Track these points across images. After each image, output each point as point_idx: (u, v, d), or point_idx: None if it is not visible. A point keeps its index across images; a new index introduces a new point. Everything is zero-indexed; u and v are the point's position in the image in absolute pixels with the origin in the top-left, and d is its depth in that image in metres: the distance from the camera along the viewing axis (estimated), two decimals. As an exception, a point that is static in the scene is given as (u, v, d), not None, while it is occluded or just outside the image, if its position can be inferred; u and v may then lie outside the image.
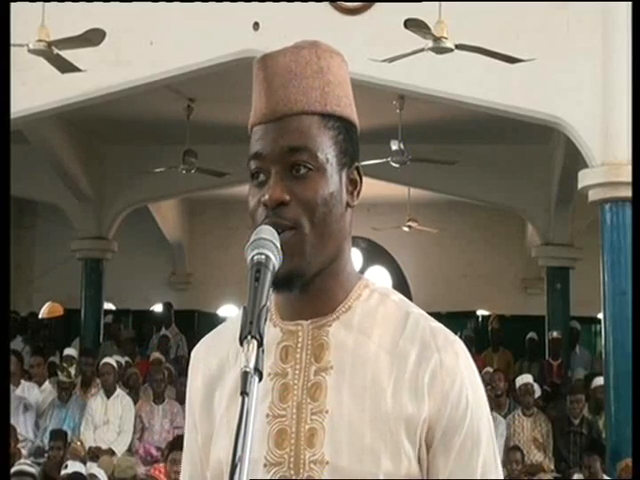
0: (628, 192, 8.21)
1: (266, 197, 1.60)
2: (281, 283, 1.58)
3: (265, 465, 1.60)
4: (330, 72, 1.66)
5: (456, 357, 1.61)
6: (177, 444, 7.85)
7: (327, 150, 1.62)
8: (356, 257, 17.99)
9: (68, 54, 7.91)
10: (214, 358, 1.71)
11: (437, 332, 1.63)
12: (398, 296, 1.70)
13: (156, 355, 11.39)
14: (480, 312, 15.92)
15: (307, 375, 1.62)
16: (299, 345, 1.64)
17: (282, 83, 1.63)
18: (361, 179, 1.68)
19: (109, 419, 9.74)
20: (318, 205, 1.60)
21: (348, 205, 1.66)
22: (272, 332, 1.65)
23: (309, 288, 1.61)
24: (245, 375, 1.38)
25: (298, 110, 1.62)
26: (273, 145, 1.62)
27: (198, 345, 1.77)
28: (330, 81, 1.65)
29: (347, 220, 1.67)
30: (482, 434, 1.61)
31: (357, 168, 1.68)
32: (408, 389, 1.58)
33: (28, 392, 9.95)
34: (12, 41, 7.68)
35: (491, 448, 1.62)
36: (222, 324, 1.78)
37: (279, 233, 1.56)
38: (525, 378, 10.12)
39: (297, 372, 1.63)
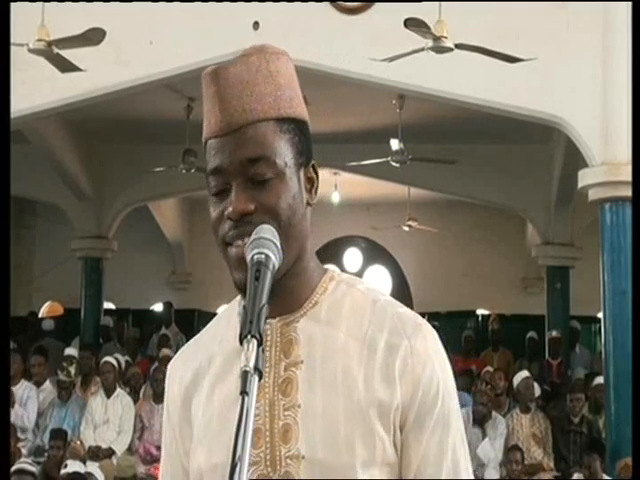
0: (628, 192, 8.21)
1: (230, 209, 1.62)
2: None
3: None
4: (279, 74, 1.67)
5: (425, 342, 1.63)
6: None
7: (284, 154, 1.63)
8: (356, 257, 17.99)
9: (68, 54, 7.91)
10: (188, 369, 1.73)
11: (405, 318, 1.64)
12: (365, 285, 1.71)
13: (166, 352, 11.35)
14: (480, 311, 15.91)
15: (277, 372, 1.63)
16: (268, 343, 1.65)
17: (235, 94, 1.63)
18: (317, 176, 1.70)
19: (109, 418, 9.74)
20: (282, 210, 1.62)
21: (308, 204, 1.67)
22: None
23: (275, 289, 1.60)
24: (245, 374, 1.38)
25: (254, 119, 1.62)
26: (231, 158, 1.62)
27: (175, 357, 1.81)
28: (281, 84, 1.66)
29: (308, 218, 1.68)
30: (452, 417, 1.64)
31: (313, 166, 1.69)
32: (380, 377, 1.60)
33: (28, 391, 9.95)
34: (12, 41, 7.68)
35: (460, 430, 1.65)
36: (200, 332, 1.80)
37: (247, 241, 1.57)
38: (523, 374, 10.13)
39: (267, 369, 1.63)
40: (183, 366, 1.75)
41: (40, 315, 14.68)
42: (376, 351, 1.61)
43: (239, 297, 1.72)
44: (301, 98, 1.70)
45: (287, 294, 1.65)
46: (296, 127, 1.66)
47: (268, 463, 1.60)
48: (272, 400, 1.62)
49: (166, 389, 1.78)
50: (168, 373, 1.80)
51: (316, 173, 1.70)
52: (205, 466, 1.63)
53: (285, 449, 1.60)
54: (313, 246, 1.71)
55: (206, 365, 1.70)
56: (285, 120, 1.64)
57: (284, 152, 1.63)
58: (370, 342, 1.62)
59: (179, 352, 1.81)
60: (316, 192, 1.69)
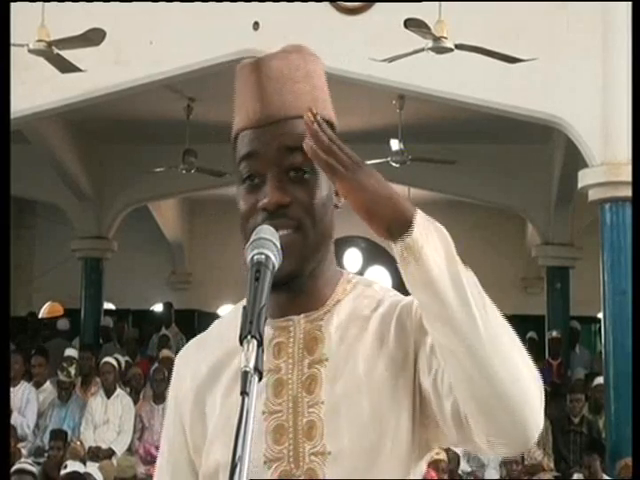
0: (628, 192, 8.21)
1: (265, 201, 1.61)
2: (282, 284, 1.60)
3: (265, 462, 1.61)
4: (316, 76, 1.69)
5: (400, 297, 1.69)
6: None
7: None
8: (356, 257, 17.98)
9: (68, 54, 7.91)
10: (203, 363, 1.72)
11: (398, 302, 1.68)
12: (379, 285, 1.75)
13: (166, 353, 11.35)
14: (480, 312, 15.91)
15: (301, 369, 1.64)
16: (291, 340, 1.66)
17: (276, 88, 1.65)
18: None
19: (109, 419, 9.74)
20: (317, 207, 1.64)
21: (336, 206, 1.70)
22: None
23: (300, 286, 1.65)
24: (245, 375, 1.38)
25: (292, 115, 1.63)
26: (268, 145, 1.63)
27: (184, 349, 1.79)
28: (317, 86, 1.69)
29: (333, 221, 1.71)
30: None
31: None
32: (396, 358, 1.62)
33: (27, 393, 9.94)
34: (12, 41, 7.68)
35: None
36: (206, 331, 1.80)
37: (281, 234, 1.57)
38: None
39: (290, 366, 1.64)
40: (197, 360, 1.74)
41: (40, 315, 14.67)
42: (386, 342, 1.64)
43: None
44: (330, 103, 1.72)
45: (312, 292, 1.68)
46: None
47: (291, 460, 1.61)
48: (296, 397, 1.63)
49: (173, 382, 1.76)
50: (177, 367, 1.78)
51: None
52: (223, 461, 1.62)
53: (309, 445, 1.60)
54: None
55: (226, 359, 1.69)
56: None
57: None
58: (381, 337, 1.65)
59: (190, 345, 1.79)
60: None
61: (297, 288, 1.65)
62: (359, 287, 1.72)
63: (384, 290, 1.73)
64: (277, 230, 1.58)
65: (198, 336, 1.81)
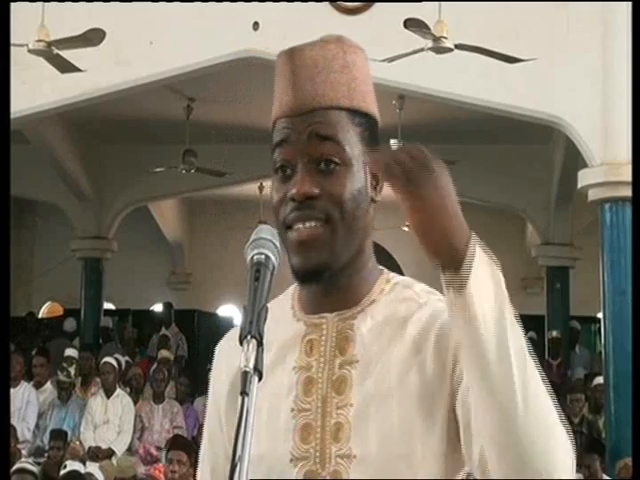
0: (628, 192, 8.21)
1: (294, 191, 1.58)
2: (309, 276, 1.59)
3: (291, 460, 1.60)
4: (356, 68, 1.65)
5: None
6: (175, 443, 7.84)
7: (354, 146, 1.61)
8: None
9: (68, 54, 7.91)
10: (238, 356, 1.68)
11: (440, 314, 1.59)
12: (420, 286, 1.69)
13: (164, 354, 11.36)
14: (480, 312, 15.92)
15: (332, 368, 1.62)
16: (323, 338, 1.64)
17: (309, 77, 1.62)
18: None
19: (109, 419, 9.74)
20: (347, 200, 1.59)
21: (372, 200, 1.65)
22: (296, 326, 1.66)
23: (334, 282, 1.61)
24: (245, 375, 1.38)
25: (326, 104, 1.61)
26: (301, 133, 1.60)
27: (223, 340, 1.75)
28: (356, 77, 1.65)
29: (371, 215, 1.66)
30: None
31: None
32: (433, 369, 1.57)
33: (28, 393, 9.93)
34: (12, 41, 7.67)
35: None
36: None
37: (307, 225, 1.57)
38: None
39: (321, 365, 1.62)
40: (232, 352, 1.67)
41: (40, 315, 14.69)
42: (423, 351, 1.59)
43: (292, 287, 1.71)
44: (374, 96, 1.69)
45: (345, 289, 1.64)
46: (367, 122, 1.64)
47: (317, 460, 1.59)
48: (325, 397, 1.60)
49: (212, 374, 1.74)
50: (215, 358, 1.76)
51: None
52: (251, 456, 1.62)
53: (336, 448, 1.58)
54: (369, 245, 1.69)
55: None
56: (357, 113, 1.63)
57: (354, 143, 1.61)
58: (419, 344, 1.60)
59: (228, 337, 1.75)
60: (381, 190, 1.66)
61: (329, 283, 1.61)
62: (398, 288, 1.68)
63: (425, 292, 1.68)
64: (305, 222, 1.57)
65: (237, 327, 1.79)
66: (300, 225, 1.59)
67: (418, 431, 1.56)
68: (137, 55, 9.18)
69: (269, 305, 1.63)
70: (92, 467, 8.23)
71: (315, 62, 1.62)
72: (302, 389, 1.62)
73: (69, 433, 9.46)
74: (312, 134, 1.59)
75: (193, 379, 11.36)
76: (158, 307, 15.32)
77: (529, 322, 13.85)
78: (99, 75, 9.00)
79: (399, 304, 1.65)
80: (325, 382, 1.61)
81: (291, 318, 1.65)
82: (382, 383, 1.59)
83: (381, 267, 1.71)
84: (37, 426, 9.83)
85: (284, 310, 1.69)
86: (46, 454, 9.20)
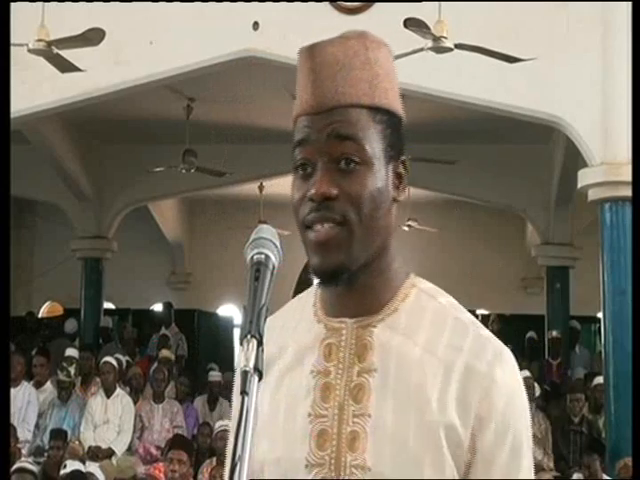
0: (628, 192, 8.21)
1: (312, 191, 1.56)
2: (327, 277, 1.57)
3: (307, 466, 1.58)
4: (378, 64, 1.63)
5: (505, 371, 1.57)
6: (175, 443, 7.85)
7: (375, 144, 1.58)
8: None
9: (68, 54, 7.91)
10: (273, 344, 1.63)
11: (486, 342, 1.59)
12: (447, 298, 1.66)
13: (164, 353, 11.37)
14: (480, 311, 15.89)
15: (350, 375, 1.59)
16: (342, 344, 1.61)
17: (330, 74, 1.59)
18: (407, 173, 1.64)
19: (109, 418, 9.74)
20: (366, 201, 1.56)
21: (394, 200, 1.62)
22: (316, 328, 1.64)
23: (354, 284, 1.58)
24: (245, 375, 1.37)
25: (346, 102, 1.58)
26: (320, 132, 1.58)
27: (270, 319, 1.62)
28: (378, 73, 1.62)
29: (393, 215, 1.63)
30: (523, 447, 1.57)
31: (403, 162, 1.64)
32: (455, 400, 1.54)
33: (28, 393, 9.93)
34: (12, 41, 7.68)
35: (530, 466, 1.59)
36: (278, 312, 1.72)
37: (325, 227, 1.55)
38: (523, 374, 10.12)
39: (340, 371, 1.60)
40: (270, 337, 1.63)
41: (40, 315, 14.68)
42: (452, 371, 1.56)
43: (312, 288, 1.69)
44: (398, 92, 1.66)
45: (366, 292, 1.61)
46: (390, 120, 1.61)
47: (332, 468, 1.57)
48: (342, 404, 1.58)
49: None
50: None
51: (406, 169, 1.64)
52: (268, 458, 1.59)
53: (351, 457, 1.56)
54: (394, 246, 1.66)
55: (277, 354, 1.64)
56: (379, 110, 1.60)
57: (375, 141, 1.58)
58: (447, 362, 1.56)
59: (274, 316, 1.69)
60: (404, 189, 1.63)
61: (349, 284, 1.58)
62: (422, 296, 1.63)
63: (454, 307, 1.64)
64: (323, 223, 1.56)
65: (281, 310, 1.73)
66: (319, 226, 1.56)
67: (430, 457, 1.53)
68: (137, 55, 9.18)
69: (290, 304, 1.62)
70: (92, 467, 8.24)
71: (336, 59, 1.59)
72: (320, 395, 1.60)
73: (69, 433, 9.46)
74: (332, 133, 1.57)
75: (193, 379, 11.37)
76: (158, 307, 15.31)
77: (529, 322, 13.92)
78: (99, 75, 9.00)
79: (423, 315, 1.62)
80: (343, 389, 1.59)
81: (312, 317, 1.63)
82: (401, 399, 1.56)
83: (408, 271, 1.67)
84: (37, 426, 9.83)
85: (306, 309, 1.67)
86: (46, 454, 9.20)
